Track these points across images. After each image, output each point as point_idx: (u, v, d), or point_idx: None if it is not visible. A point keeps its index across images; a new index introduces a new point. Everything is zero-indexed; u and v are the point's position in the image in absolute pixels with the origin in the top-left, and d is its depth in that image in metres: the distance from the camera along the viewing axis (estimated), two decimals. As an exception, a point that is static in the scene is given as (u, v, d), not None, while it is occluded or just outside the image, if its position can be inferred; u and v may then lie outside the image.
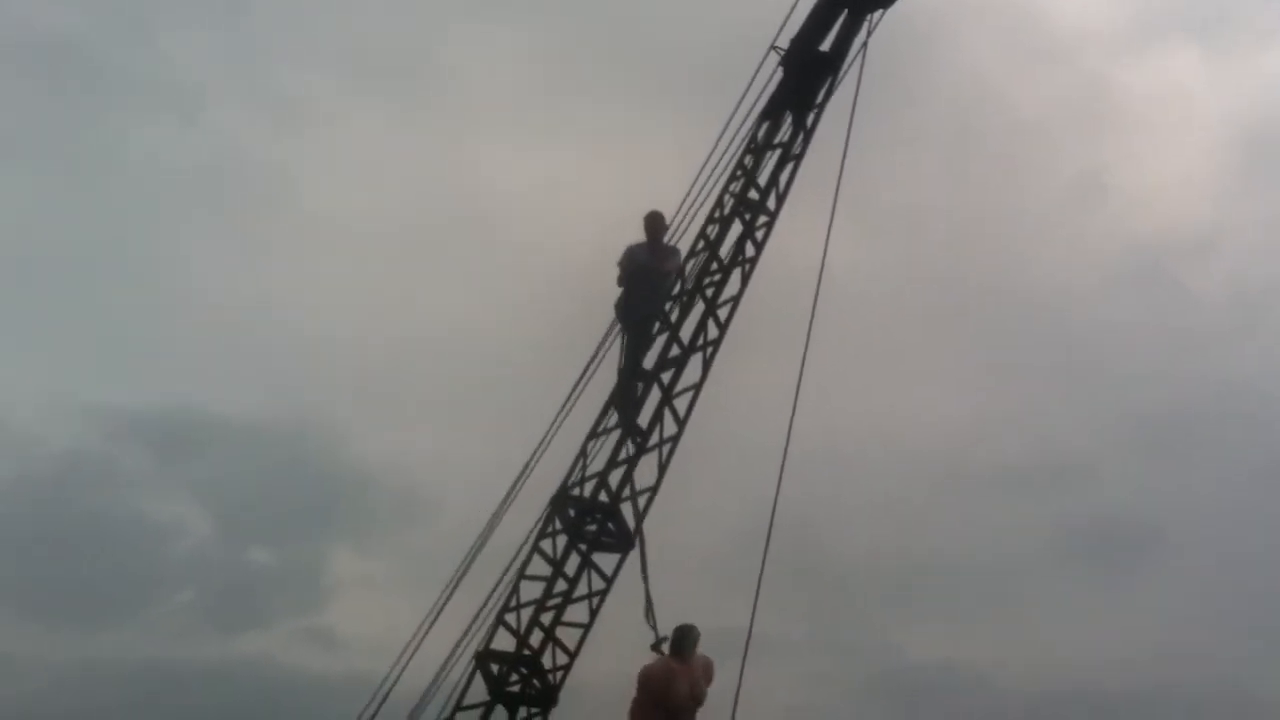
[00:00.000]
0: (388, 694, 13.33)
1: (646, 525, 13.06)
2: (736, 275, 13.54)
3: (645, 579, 12.94)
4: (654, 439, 13.10)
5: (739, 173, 13.67)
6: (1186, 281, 40.78)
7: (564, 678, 12.52)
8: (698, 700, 11.96)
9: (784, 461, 13.15)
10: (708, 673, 12.18)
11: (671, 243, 14.11)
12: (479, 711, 12.45)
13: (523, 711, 12.47)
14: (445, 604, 13.44)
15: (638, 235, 14.28)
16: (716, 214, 13.69)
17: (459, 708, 12.51)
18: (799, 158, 13.68)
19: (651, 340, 13.51)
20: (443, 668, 12.94)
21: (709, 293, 13.44)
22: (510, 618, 12.66)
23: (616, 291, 14.11)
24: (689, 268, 13.70)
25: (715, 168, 13.76)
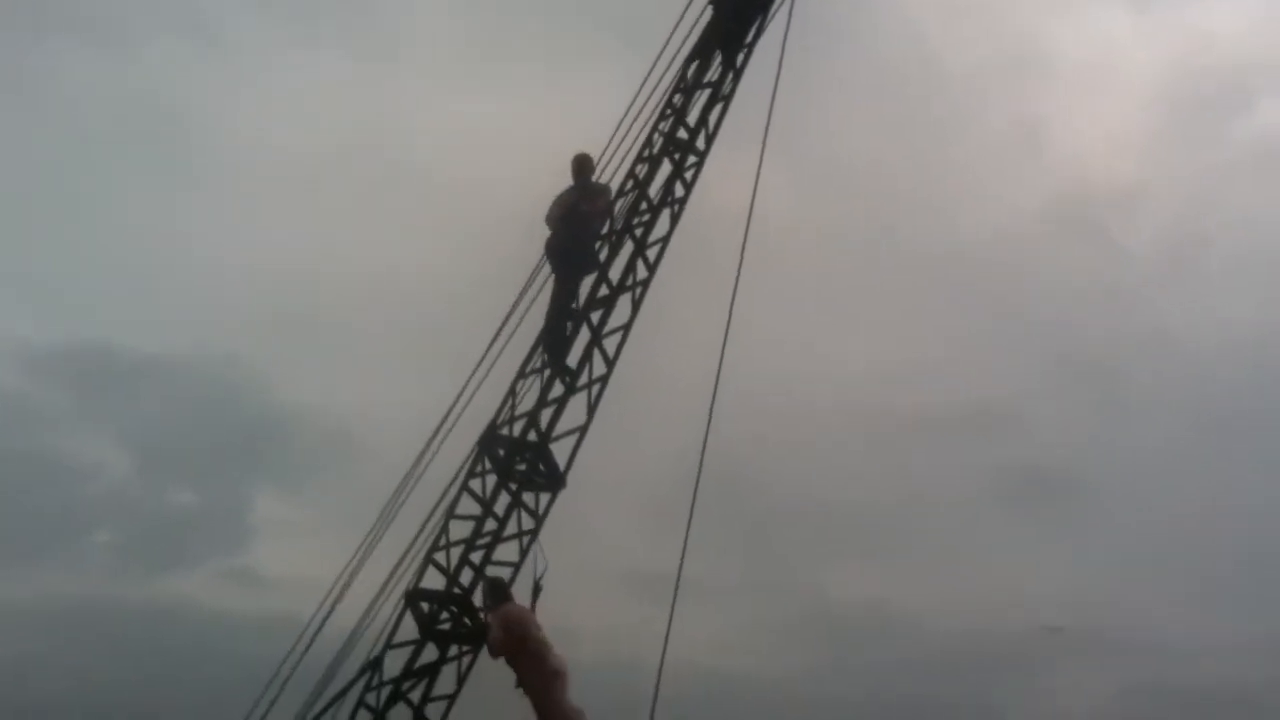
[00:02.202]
0: (317, 632, 13.32)
1: (579, 466, 13.10)
2: (666, 216, 13.53)
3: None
4: (583, 379, 13.12)
5: (668, 112, 13.64)
6: (1114, 233, 41.49)
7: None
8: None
9: (712, 405, 13.26)
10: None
11: (600, 182, 14.05)
12: (409, 650, 12.47)
13: (454, 649, 12.51)
14: (374, 543, 13.42)
15: (566, 179, 14.21)
16: (646, 153, 13.66)
17: (389, 645, 12.52)
18: (728, 98, 13.67)
19: (580, 281, 13.49)
20: (371, 606, 12.95)
21: (638, 233, 13.42)
22: (440, 556, 12.67)
23: (545, 232, 14.04)
24: (618, 207, 13.68)
25: (644, 107, 13.73)
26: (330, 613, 13.29)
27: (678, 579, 12.73)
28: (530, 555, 12.62)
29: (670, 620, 12.43)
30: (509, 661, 12.01)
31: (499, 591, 12.36)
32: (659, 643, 12.31)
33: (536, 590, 12.19)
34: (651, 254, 13.46)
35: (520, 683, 11.93)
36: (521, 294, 13.75)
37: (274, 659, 13.62)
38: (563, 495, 13.07)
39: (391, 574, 12.93)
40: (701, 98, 13.64)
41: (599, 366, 13.19)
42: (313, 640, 13.55)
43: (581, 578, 12.81)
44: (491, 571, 12.70)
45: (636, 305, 13.37)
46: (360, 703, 12.50)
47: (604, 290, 13.26)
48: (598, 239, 13.56)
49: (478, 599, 12.55)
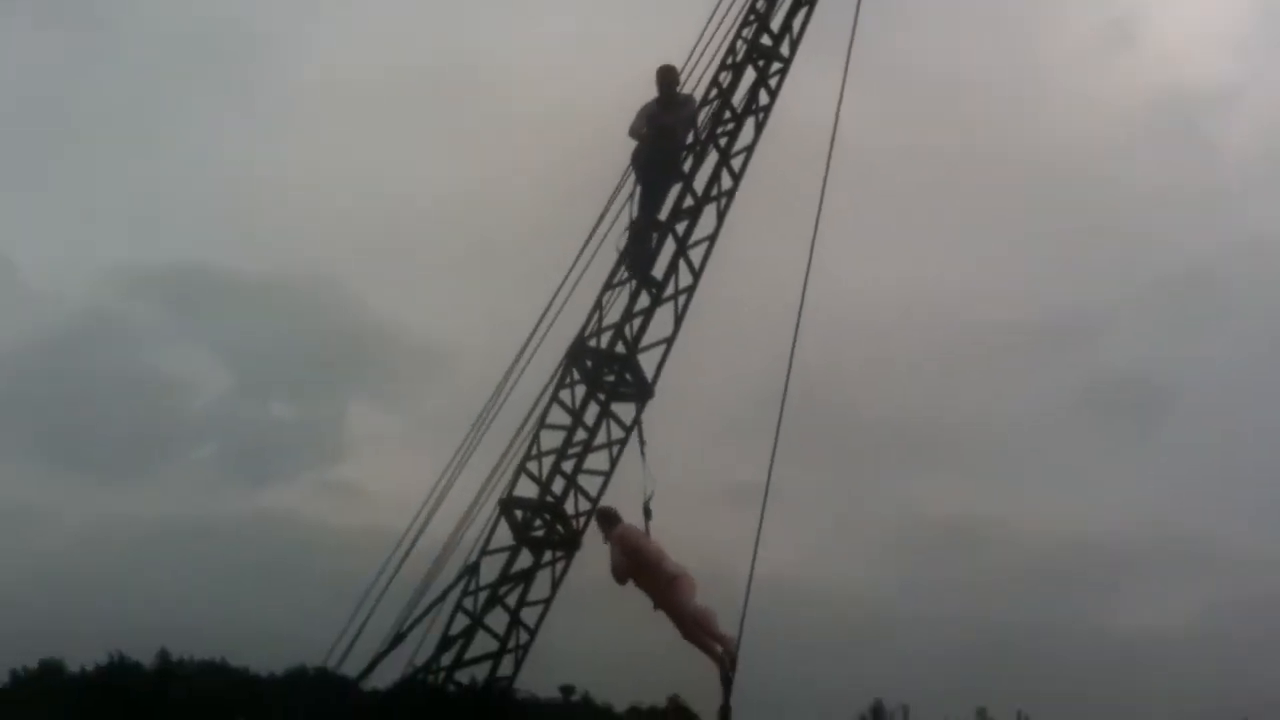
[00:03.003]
0: (414, 542, 13.66)
1: (666, 378, 13.16)
2: (750, 125, 13.44)
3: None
4: (669, 290, 13.18)
5: (751, 18, 13.48)
6: (1210, 136, 40.21)
7: (587, 522, 12.80)
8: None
9: (799, 319, 13.02)
10: None
11: (684, 92, 13.95)
12: (504, 556, 12.78)
13: (547, 555, 12.81)
14: (467, 455, 13.67)
15: (650, 91, 14.09)
16: (729, 61, 13.54)
17: (485, 552, 12.85)
18: (813, 2, 13.46)
19: (665, 192, 13.48)
20: (466, 515, 13.26)
21: (723, 142, 13.36)
22: (532, 466, 12.92)
23: (630, 145, 14.00)
24: (702, 117, 13.59)
25: (726, 15, 13.57)
26: (426, 523, 13.61)
27: (765, 492, 12.69)
28: (643, 477, 12.64)
29: (759, 533, 12.47)
30: (636, 583, 11.93)
31: (609, 518, 12.35)
32: (748, 555, 12.36)
33: (647, 514, 12.24)
34: (736, 164, 13.40)
35: (655, 602, 11.81)
36: (607, 207, 13.78)
37: (371, 570, 14.01)
38: (651, 406, 13.20)
39: (485, 484, 13.22)
40: (785, 3, 13.45)
41: (685, 277, 13.24)
42: (410, 549, 13.92)
43: (669, 490, 12.91)
44: (582, 480, 12.92)
45: (721, 216, 13.36)
46: (458, 606, 12.86)
47: (689, 201, 13.26)
48: (682, 150, 13.51)
49: (570, 507, 12.78)
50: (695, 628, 11.42)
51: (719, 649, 11.32)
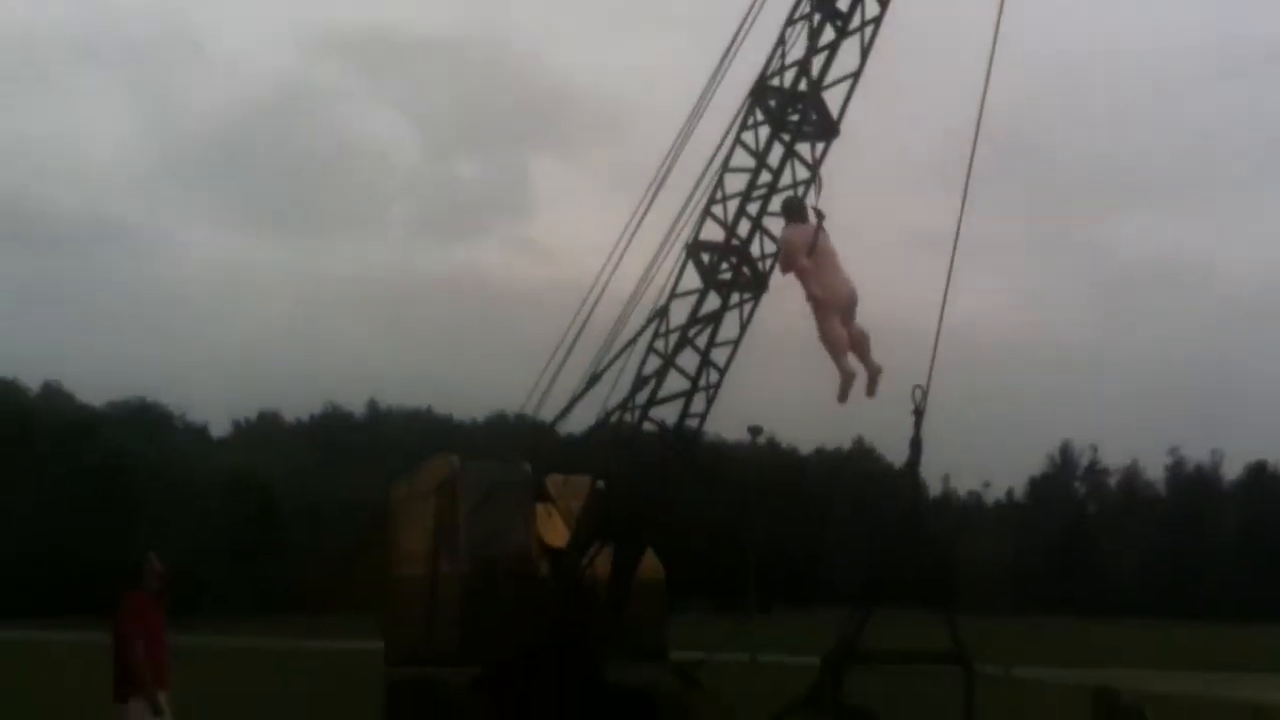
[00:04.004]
0: (604, 288, 13.95)
1: (851, 117, 12.82)
2: None
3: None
4: (855, 21, 12.65)
5: None
6: None
7: (774, 265, 12.83)
8: None
9: (993, 50, 12.39)
10: None
11: None
12: (693, 300, 12.96)
13: (735, 298, 12.93)
14: (651, 201, 13.71)
15: None
16: None
17: (674, 295, 13.06)
18: None
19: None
20: (654, 261, 13.42)
21: None
22: (717, 210, 12.91)
23: None
24: None
25: None
26: (616, 267, 13.83)
27: (956, 235, 12.42)
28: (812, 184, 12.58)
29: (949, 278, 12.24)
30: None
31: (791, 209, 12.54)
32: (934, 303, 12.19)
33: (819, 215, 12.27)
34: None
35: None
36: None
37: (562, 320, 14.42)
38: (836, 147, 12.93)
39: (671, 229, 13.30)
40: None
41: (871, 7, 12.66)
42: (600, 296, 14.26)
43: (857, 235, 12.71)
44: (767, 222, 12.87)
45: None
46: (650, 348, 13.21)
47: (875, -76, 12.53)
48: None
49: (756, 249, 12.80)
50: (837, 343, 11.56)
51: (851, 369, 11.43)
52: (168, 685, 9.31)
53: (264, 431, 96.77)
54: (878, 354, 12.26)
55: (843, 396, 11.49)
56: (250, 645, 34.38)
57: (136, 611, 9.12)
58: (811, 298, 11.82)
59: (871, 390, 11.65)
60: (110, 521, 50.08)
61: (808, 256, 11.96)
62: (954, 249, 12.10)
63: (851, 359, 11.95)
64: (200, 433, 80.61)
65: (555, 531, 15.16)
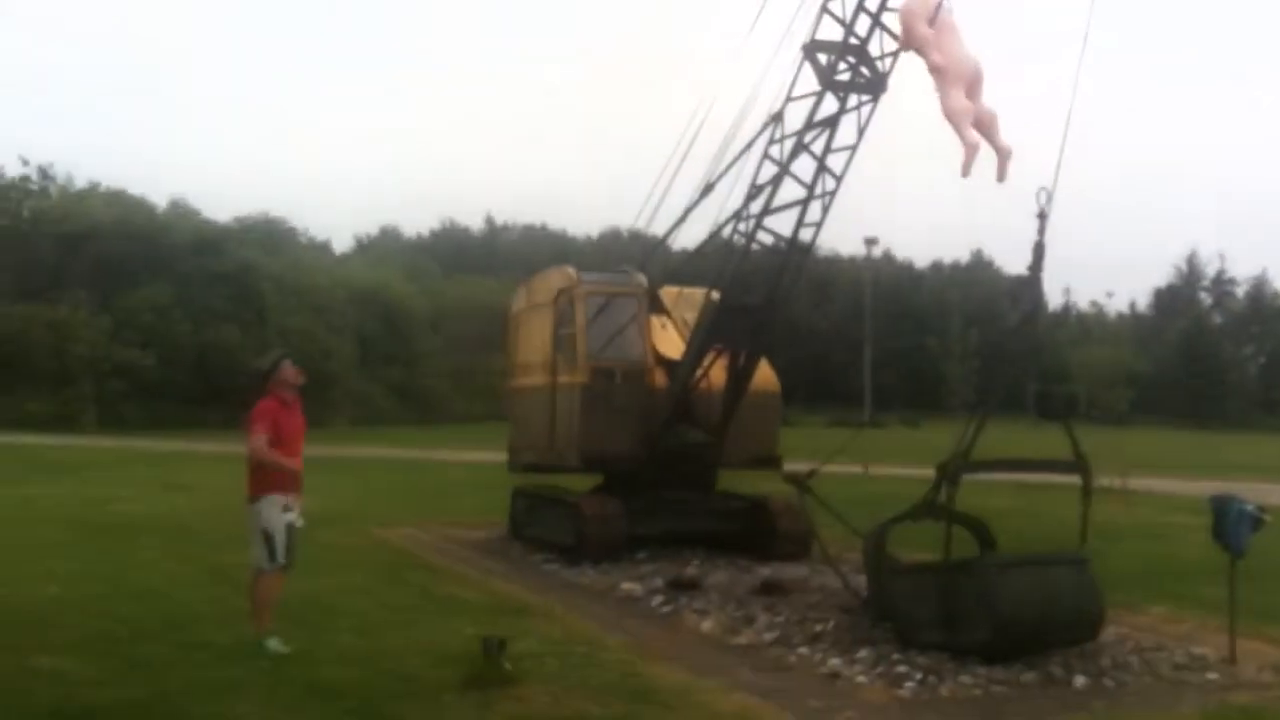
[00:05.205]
0: (717, 95, 13.61)
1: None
2: None
3: None
4: None
5: None
6: None
7: (893, 64, 12.33)
8: None
9: None
10: None
11: None
12: (809, 103, 12.57)
13: (853, 100, 12.49)
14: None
15: None
16: None
17: (789, 98, 12.68)
18: None
19: None
20: (769, 62, 12.99)
21: None
22: (834, 7, 12.37)
23: None
24: None
25: None
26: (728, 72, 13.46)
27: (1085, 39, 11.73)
28: None
29: (1075, 89, 11.62)
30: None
31: None
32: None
33: None
34: None
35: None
36: None
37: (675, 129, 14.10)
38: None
39: (786, 29, 12.81)
40: None
41: None
42: (713, 102, 13.93)
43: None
44: (886, 19, 12.30)
45: None
46: (765, 155, 12.91)
47: None
48: None
49: (875, 48, 12.29)
50: (961, 114, 11.04)
51: (975, 140, 10.93)
52: (299, 490, 9.40)
53: (385, 247, 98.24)
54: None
55: (965, 170, 11.01)
56: (385, 455, 35.48)
57: (269, 414, 9.26)
58: (934, 68, 11.21)
59: (1001, 175, 11.14)
60: (243, 332, 51.55)
61: (929, 26, 11.37)
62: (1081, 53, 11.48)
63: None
64: (324, 248, 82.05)
65: (670, 343, 15.23)
